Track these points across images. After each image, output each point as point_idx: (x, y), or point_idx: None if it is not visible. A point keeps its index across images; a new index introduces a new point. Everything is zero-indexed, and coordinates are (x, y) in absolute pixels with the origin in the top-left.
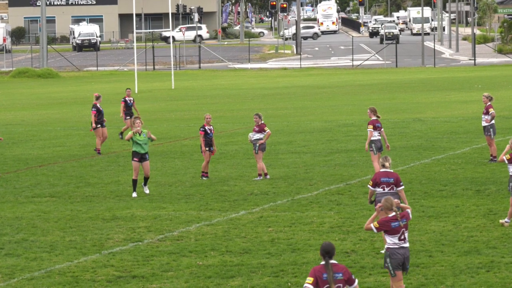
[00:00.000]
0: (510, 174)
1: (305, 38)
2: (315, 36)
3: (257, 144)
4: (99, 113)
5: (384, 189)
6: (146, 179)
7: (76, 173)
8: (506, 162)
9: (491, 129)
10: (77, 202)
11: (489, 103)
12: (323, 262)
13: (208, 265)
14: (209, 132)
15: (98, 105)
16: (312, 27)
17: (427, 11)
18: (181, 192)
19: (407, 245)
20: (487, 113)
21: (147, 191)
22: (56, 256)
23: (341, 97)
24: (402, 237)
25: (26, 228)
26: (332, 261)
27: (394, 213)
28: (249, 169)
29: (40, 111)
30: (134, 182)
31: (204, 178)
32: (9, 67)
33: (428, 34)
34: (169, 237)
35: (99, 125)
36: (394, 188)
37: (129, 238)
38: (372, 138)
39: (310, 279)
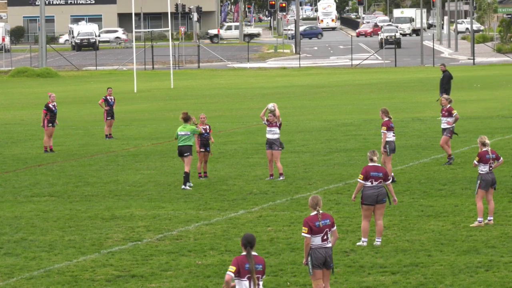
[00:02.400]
0: (480, 172)
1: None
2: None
3: (280, 142)
4: (51, 113)
5: (372, 183)
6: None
7: (75, 173)
8: (477, 164)
9: (452, 131)
10: (76, 201)
11: (449, 105)
12: (244, 253)
13: (207, 264)
14: (203, 132)
15: (50, 105)
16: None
17: (411, 11)
18: (180, 191)
19: (329, 245)
20: (449, 115)
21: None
22: (55, 256)
23: (340, 97)
24: (325, 237)
25: (25, 227)
26: (253, 253)
27: (316, 213)
28: (248, 169)
29: (39, 111)
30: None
31: (201, 178)
32: (8, 67)
33: (410, 35)
34: (168, 237)
35: (50, 124)
36: (382, 182)
37: (128, 238)
38: (388, 140)
39: (232, 268)
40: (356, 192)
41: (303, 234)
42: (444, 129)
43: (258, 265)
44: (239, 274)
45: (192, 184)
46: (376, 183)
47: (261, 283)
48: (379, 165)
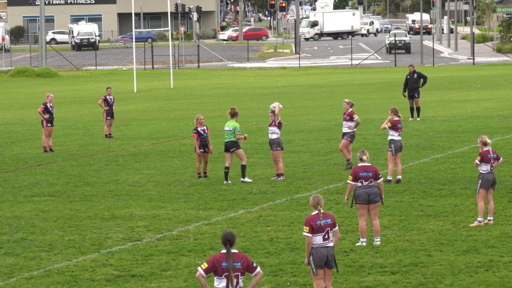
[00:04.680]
0: (481, 172)
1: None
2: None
3: (278, 142)
4: (48, 113)
5: (362, 183)
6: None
7: (75, 172)
8: (479, 163)
9: (353, 135)
10: (76, 201)
11: (351, 109)
12: (223, 251)
13: None
14: (202, 133)
15: (48, 104)
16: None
17: (319, 15)
18: (180, 191)
19: (331, 244)
20: (350, 119)
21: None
22: (55, 255)
23: (340, 96)
24: (326, 237)
25: (25, 227)
26: (233, 250)
27: (317, 212)
28: (248, 169)
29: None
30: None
31: (201, 178)
32: (8, 66)
33: (314, 39)
34: (168, 237)
35: (49, 124)
36: (373, 181)
37: (128, 238)
38: (393, 138)
39: (205, 265)
40: (348, 193)
41: (304, 233)
42: (344, 133)
43: (237, 263)
44: (216, 272)
45: (251, 180)
46: (366, 183)
47: (241, 281)
48: (369, 164)
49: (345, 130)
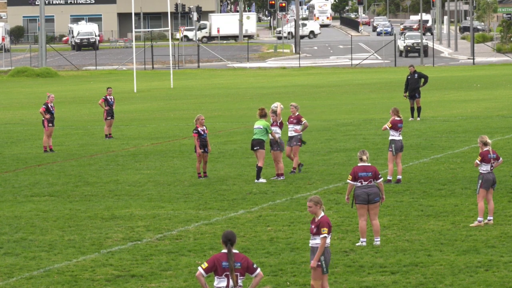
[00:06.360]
0: (481, 172)
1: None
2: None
3: (280, 142)
4: (49, 113)
5: (362, 183)
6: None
7: (75, 172)
8: (479, 163)
9: (301, 139)
10: (76, 201)
11: (297, 113)
12: (224, 250)
13: None
14: (202, 133)
15: (49, 105)
16: None
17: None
18: (180, 191)
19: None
20: (297, 122)
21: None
22: (55, 255)
23: (340, 96)
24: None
25: (25, 227)
26: (234, 251)
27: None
28: (248, 168)
29: (38, 110)
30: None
31: (201, 178)
32: (8, 66)
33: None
34: (168, 236)
35: (50, 124)
36: (373, 181)
37: (128, 237)
38: (394, 138)
39: (205, 264)
40: (348, 192)
41: (324, 235)
42: (291, 137)
43: (237, 263)
44: (216, 272)
45: (265, 181)
46: (366, 183)
47: (240, 281)
48: (368, 164)
49: (291, 134)
